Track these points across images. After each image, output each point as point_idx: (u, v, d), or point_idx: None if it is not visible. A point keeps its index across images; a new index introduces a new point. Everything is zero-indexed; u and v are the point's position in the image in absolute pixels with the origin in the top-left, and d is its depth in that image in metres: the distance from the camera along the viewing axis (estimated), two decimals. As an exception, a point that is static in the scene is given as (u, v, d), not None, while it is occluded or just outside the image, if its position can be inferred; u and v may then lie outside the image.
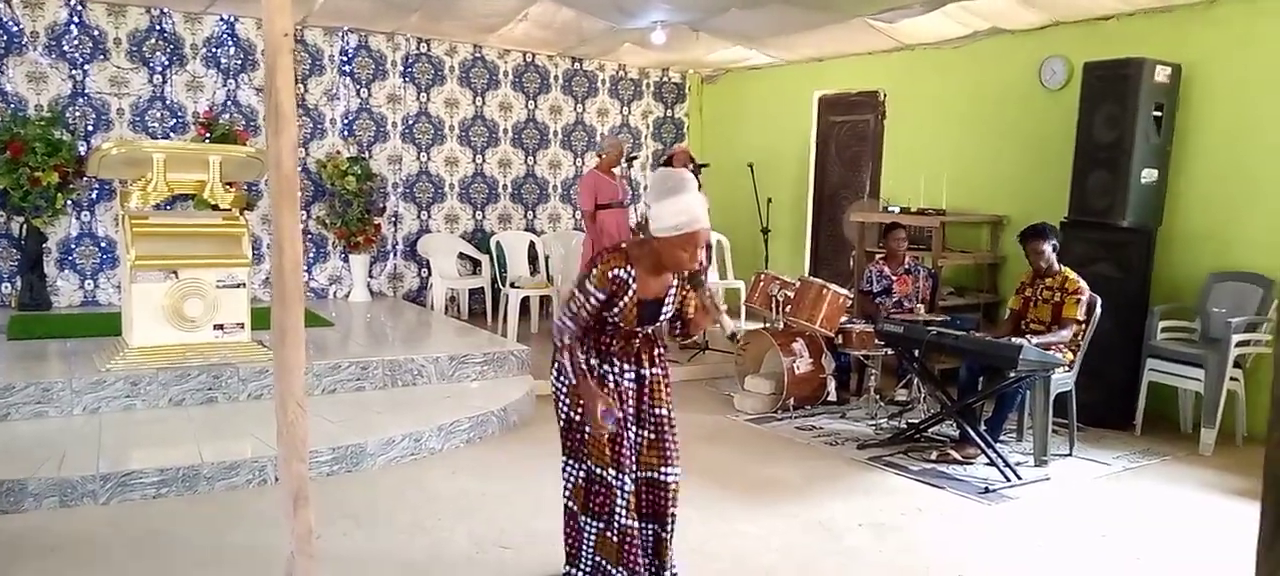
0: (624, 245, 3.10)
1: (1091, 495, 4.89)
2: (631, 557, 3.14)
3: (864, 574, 3.83)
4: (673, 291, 3.16)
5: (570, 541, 3.34)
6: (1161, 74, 6.03)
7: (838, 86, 9.07)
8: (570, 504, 3.29)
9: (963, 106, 7.80)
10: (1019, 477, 5.00)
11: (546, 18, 7.91)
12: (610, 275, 2.99)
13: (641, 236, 3.16)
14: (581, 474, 3.21)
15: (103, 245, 7.84)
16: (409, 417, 5.35)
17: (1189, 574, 3.98)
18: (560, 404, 3.21)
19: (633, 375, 3.20)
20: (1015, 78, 7.32)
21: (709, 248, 3.15)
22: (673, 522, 3.29)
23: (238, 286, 5.74)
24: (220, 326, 5.69)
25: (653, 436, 3.23)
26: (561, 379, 3.18)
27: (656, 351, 3.24)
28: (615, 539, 3.16)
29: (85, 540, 3.87)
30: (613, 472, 3.13)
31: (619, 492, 3.13)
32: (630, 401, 3.18)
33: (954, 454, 5.34)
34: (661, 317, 3.15)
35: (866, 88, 8.75)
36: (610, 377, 3.17)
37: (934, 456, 5.36)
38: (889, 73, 8.50)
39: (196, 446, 4.70)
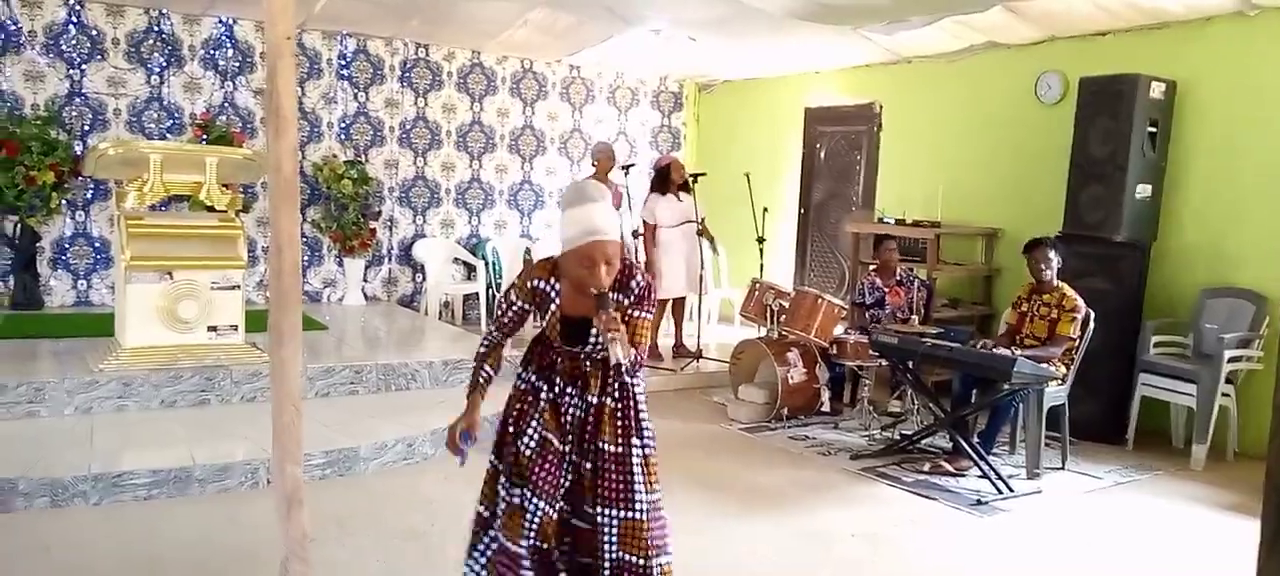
0: (555, 256, 2.78)
1: (1083, 508, 4.90)
2: None
3: (856, 584, 3.84)
4: None
5: None
6: (1156, 90, 6.06)
7: (834, 97, 9.10)
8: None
9: (958, 119, 7.82)
10: (1011, 490, 5.01)
11: (546, 24, 7.93)
12: (530, 285, 2.77)
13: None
14: (492, 467, 2.95)
15: (97, 245, 7.82)
16: (402, 422, 5.34)
17: (1179, 588, 4.01)
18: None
19: (577, 399, 2.80)
20: (1011, 91, 7.35)
21: (625, 264, 2.73)
22: (621, 569, 2.74)
23: (232, 288, 5.73)
24: (214, 328, 5.68)
25: (589, 472, 2.77)
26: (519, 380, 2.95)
27: (614, 381, 2.77)
28: (483, 561, 2.89)
29: (76, 541, 3.86)
30: (516, 486, 2.78)
31: (501, 509, 2.82)
32: (568, 424, 2.80)
33: (947, 466, 5.35)
34: (592, 340, 2.72)
35: (862, 99, 8.78)
36: (545, 396, 2.82)
37: (927, 468, 5.37)
38: (885, 84, 8.53)
39: (189, 448, 4.68)
